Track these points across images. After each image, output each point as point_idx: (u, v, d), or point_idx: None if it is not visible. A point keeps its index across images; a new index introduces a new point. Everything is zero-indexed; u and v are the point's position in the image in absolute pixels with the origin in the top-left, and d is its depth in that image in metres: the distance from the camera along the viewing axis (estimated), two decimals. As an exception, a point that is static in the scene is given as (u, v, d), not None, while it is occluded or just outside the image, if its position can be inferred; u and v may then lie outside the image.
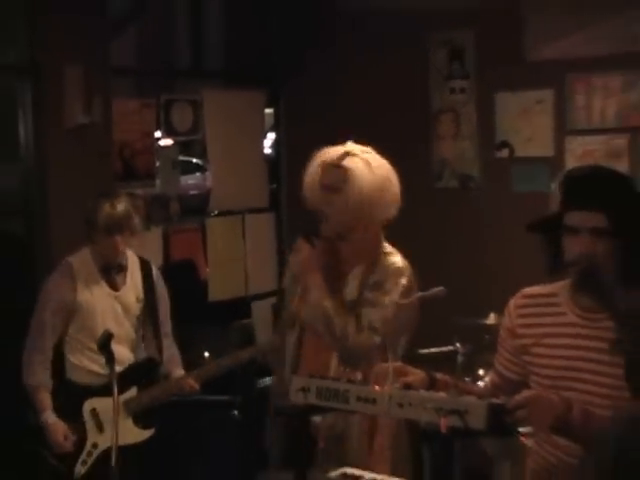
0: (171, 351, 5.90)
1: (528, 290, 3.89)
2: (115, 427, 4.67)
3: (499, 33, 7.77)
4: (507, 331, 3.90)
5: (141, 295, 5.73)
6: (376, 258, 4.62)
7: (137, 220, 5.68)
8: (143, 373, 5.69)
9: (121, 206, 5.55)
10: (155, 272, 5.91)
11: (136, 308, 5.71)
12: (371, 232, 4.66)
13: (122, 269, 5.71)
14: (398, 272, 4.56)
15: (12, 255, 7.22)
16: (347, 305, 4.53)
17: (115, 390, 4.57)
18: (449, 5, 7.74)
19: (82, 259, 5.64)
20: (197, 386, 5.73)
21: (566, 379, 3.60)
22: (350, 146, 4.70)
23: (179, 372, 5.86)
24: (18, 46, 7.00)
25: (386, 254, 4.65)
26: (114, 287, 5.68)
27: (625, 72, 7.39)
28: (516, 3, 7.63)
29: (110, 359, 4.68)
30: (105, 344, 4.76)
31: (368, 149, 4.71)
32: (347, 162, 4.58)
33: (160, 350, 5.78)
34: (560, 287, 3.76)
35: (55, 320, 5.57)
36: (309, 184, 4.66)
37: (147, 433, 5.68)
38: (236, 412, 6.38)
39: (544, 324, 3.75)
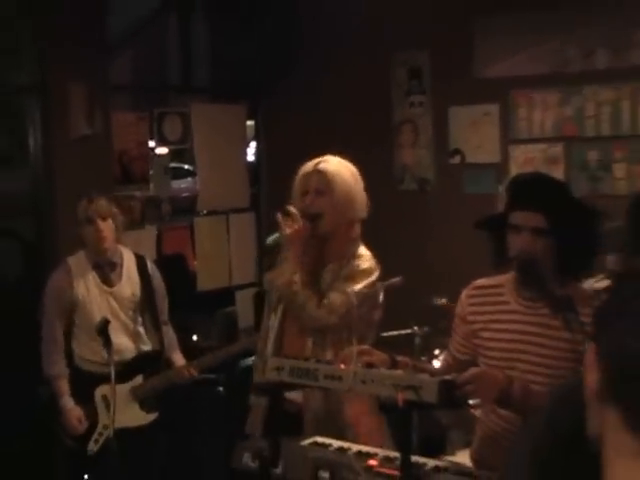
0: (169, 336, 5.89)
1: (477, 282, 3.94)
2: (113, 404, 4.76)
3: (451, 54, 7.78)
4: (459, 318, 3.95)
5: (138, 290, 5.69)
6: (351, 256, 4.58)
7: (117, 212, 5.69)
8: (148, 363, 5.69)
9: (99, 200, 5.57)
10: (150, 266, 5.87)
11: (132, 302, 5.67)
12: (352, 231, 4.64)
13: (114, 266, 5.67)
14: (368, 271, 4.53)
15: (22, 252, 7.23)
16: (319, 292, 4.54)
17: (112, 372, 4.64)
18: (408, 29, 7.76)
19: (78, 259, 5.63)
20: (196, 374, 5.73)
21: (509, 359, 3.65)
22: (323, 157, 4.70)
23: (178, 356, 5.86)
24: (28, 68, 6.98)
25: (359, 255, 4.60)
26: (108, 284, 5.64)
27: (561, 89, 7.41)
28: (466, 28, 7.64)
29: (107, 344, 4.72)
30: (103, 330, 4.77)
31: (335, 157, 4.70)
32: (325, 166, 4.60)
33: (161, 340, 5.76)
34: (505, 279, 3.81)
35: (61, 314, 5.57)
36: (296, 196, 4.65)
37: (152, 416, 5.68)
38: (221, 388, 6.40)
39: (491, 312, 3.79)
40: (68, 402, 5.52)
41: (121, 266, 5.72)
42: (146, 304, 5.74)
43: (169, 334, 5.92)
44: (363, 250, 4.65)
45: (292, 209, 4.51)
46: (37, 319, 5.72)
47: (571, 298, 3.44)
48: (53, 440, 5.78)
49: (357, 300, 4.43)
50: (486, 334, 3.78)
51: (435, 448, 5.45)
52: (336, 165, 4.63)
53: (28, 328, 5.97)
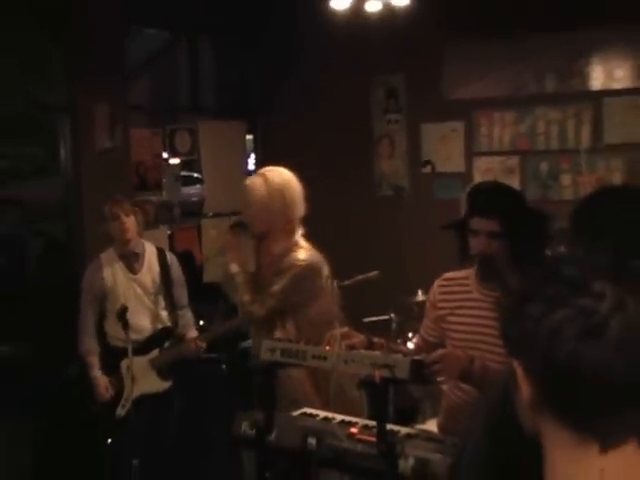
0: (187, 318, 5.92)
1: (447, 274, 3.94)
2: (130, 375, 4.84)
3: (423, 78, 7.82)
4: (430, 304, 3.96)
5: (157, 277, 5.73)
6: (284, 254, 4.59)
7: (138, 210, 5.77)
8: (162, 338, 5.73)
9: (122, 200, 5.67)
10: (169, 257, 5.90)
11: (153, 287, 5.71)
12: (281, 233, 4.62)
13: (137, 257, 5.71)
14: (295, 265, 4.54)
15: (54, 251, 7.23)
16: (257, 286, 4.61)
17: (130, 350, 4.73)
18: (386, 56, 7.77)
19: (107, 254, 5.69)
20: (204, 345, 5.77)
21: (472, 341, 3.65)
22: (264, 169, 4.77)
23: (193, 333, 5.91)
24: (60, 91, 6.97)
25: (292, 251, 4.60)
26: (133, 271, 5.68)
27: (516, 109, 7.47)
28: (436, 55, 7.67)
29: (125, 326, 4.86)
30: (122, 314, 4.93)
31: (274, 168, 4.74)
32: (248, 180, 4.68)
33: (175, 320, 5.78)
34: (469, 272, 3.81)
35: (92, 302, 5.65)
36: None
37: (167, 384, 5.72)
38: (223, 366, 6.40)
39: (457, 299, 3.80)
40: (97, 374, 5.59)
41: (143, 256, 5.75)
42: (164, 289, 5.76)
43: (187, 316, 5.95)
44: (298, 247, 4.64)
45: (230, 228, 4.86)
46: (68, 308, 5.77)
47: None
48: (80, 410, 5.81)
49: (283, 293, 4.49)
50: (452, 319, 3.79)
51: (408, 418, 5.46)
52: (253, 180, 4.67)
53: (60, 317, 6.01)
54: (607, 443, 1.37)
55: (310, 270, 4.57)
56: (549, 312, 1.37)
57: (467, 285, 3.80)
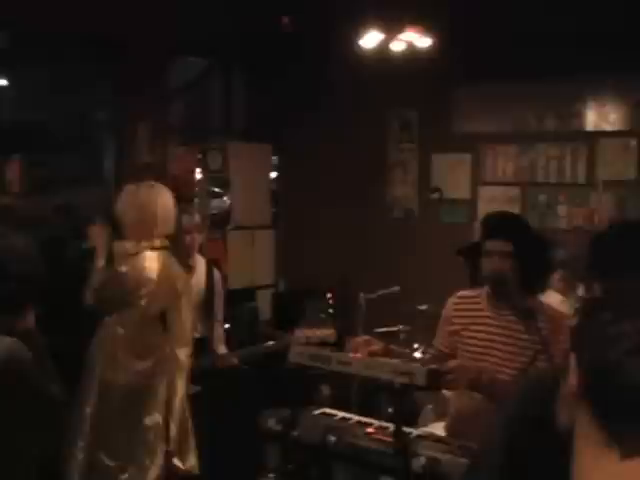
0: (219, 332, 5.85)
1: (461, 292, 3.97)
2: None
3: (435, 113, 7.84)
4: (445, 319, 3.98)
5: (202, 291, 5.65)
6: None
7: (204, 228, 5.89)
8: (196, 347, 5.70)
9: (196, 216, 5.75)
10: (216, 274, 5.85)
11: (196, 299, 5.58)
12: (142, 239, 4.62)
13: (190, 269, 5.59)
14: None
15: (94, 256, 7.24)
16: None
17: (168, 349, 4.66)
18: (401, 91, 7.80)
19: None
20: (236, 362, 5.75)
21: (482, 354, 3.69)
22: (145, 182, 4.81)
23: (222, 347, 5.83)
24: (107, 110, 7.04)
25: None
26: None
27: (519, 144, 7.49)
28: (447, 93, 7.70)
29: (165, 327, 4.76)
30: (162, 316, 4.84)
31: (152, 184, 4.78)
32: (126, 187, 4.77)
33: (211, 330, 5.73)
34: (481, 292, 3.85)
35: None
36: None
37: (196, 388, 5.67)
38: (246, 366, 6.40)
39: (469, 316, 3.83)
40: None
41: (194, 269, 5.66)
42: (205, 303, 5.69)
43: (219, 330, 5.88)
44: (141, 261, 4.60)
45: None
46: None
47: (532, 309, 3.49)
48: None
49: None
50: (465, 333, 3.82)
51: (408, 422, 5.46)
52: (129, 188, 4.74)
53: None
54: (627, 451, 1.38)
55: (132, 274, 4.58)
56: (616, 322, 1.42)
57: (478, 303, 3.84)
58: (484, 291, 3.82)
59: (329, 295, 7.90)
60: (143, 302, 4.54)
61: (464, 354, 3.79)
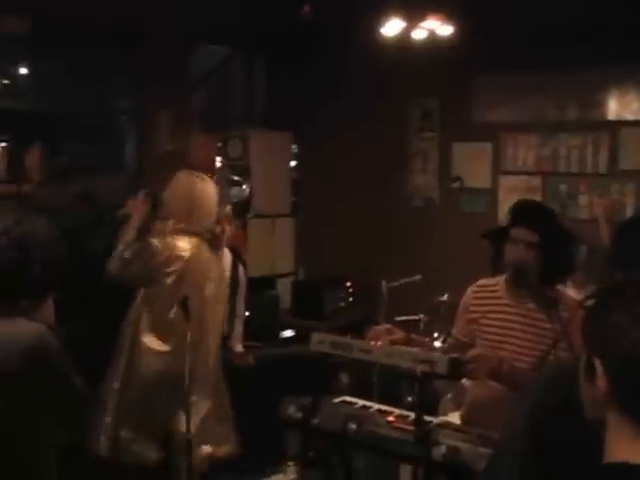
0: (238, 329, 5.89)
1: (480, 281, 3.97)
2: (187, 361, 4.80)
3: (456, 102, 7.81)
4: (464, 307, 3.98)
5: (228, 282, 5.63)
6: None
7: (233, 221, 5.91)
8: None
9: (227, 209, 5.75)
10: (240, 268, 5.90)
11: (225, 291, 5.65)
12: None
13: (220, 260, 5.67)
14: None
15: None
16: None
17: (189, 335, 4.62)
18: (423, 81, 7.79)
19: None
20: (251, 361, 5.79)
21: (500, 342, 3.70)
22: (197, 174, 4.99)
23: (239, 346, 5.87)
24: (129, 98, 7.08)
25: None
26: None
27: (540, 134, 7.45)
28: (468, 83, 7.67)
29: (186, 314, 4.75)
30: (184, 303, 4.81)
31: (204, 177, 4.97)
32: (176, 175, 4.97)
33: (232, 323, 5.79)
34: (499, 280, 3.85)
35: None
36: None
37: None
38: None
39: (488, 304, 3.83)
40: None
41: (221, 258, 5.65)
42: (230, 295, 5.68)
43: (239, 326, 5.92)
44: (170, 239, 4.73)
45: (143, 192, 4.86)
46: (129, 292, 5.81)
47: (554, 299, 3.49)
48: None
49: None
50: (484, 321, 3.82)
51: (429, 410, 5.47)
52: (181, 175, 4.95)
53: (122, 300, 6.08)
54: None
55: (162, 248, 4.69)
56: (635, 327, 1.42)
57: (497, 291, 3.84)
58: (503, 279, 3.82)
59: (349, 284, 7.91)
60: (169, 280, 4.60)
61: (482, 342, 3.79)
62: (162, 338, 4.65)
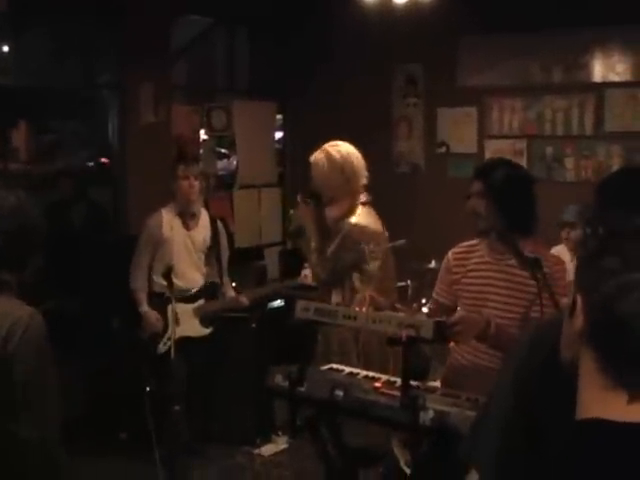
0: (226, 280, 5.96)
1: (462, 243, 3.93)
2: (172, 328, 4.83)
3: (440, 67, 7.78)
4: (445, 269, 3.93)
5: (208, 237, 5.78)
6: (342, 218, 4.57)
7: (204, 177, 5.98)
8: (209, 291, 5.79)
9: (194, 164, 5.77)
10: (220, 226, 5.96)
11: (203, 245, 5.76)
12: (347, 199, 4.59)
13: (194, 216, 5.74)
14: (344, 229, 4.56)
15: (103, 213, 7.27)
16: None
17: (173, 300, 4.71)
18: (407, 46, 7.73)
19: (168, 209, 5.70)
20: (247, 302, 5.82)
21: (481, 299, 3.66)
22: (327, 144, 4.71)
23: (231, 292, 5.96)
24: (110, 71, 7.03)
25: (350, 215, 4.58)
26: (188, 228, 5.71)
27: (525, 97, 7.45)
28: (452, 47, 7.64)
29: (170, 284, 4.84)
30: (167, 274, 4.90)
31: (337, 143, 4.70)
32: (312, 157, 4.65)
33: (221, 277, 5.86)
34: (481, 240, 3.81)
35: (147, 246, 5.66)
36: None
37: (207, 330, 5.75)
38: (253, 325, 6.40)
39: (469, 264, 3.79)
40: (146, 308, 5.66)
41: (198, 218, 5.80)
42: (213, 251, 5.82)
43: (226, 279, 5.99)
44: (354, 212, 4.60)
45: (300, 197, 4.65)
46: (113, 265, 5.93)
47: (539, 259, 3.44)
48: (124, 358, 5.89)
49: (333, 254, 4.49)
50: (465, 280, 3.78)
51: (420, 375, 5.44)
52: (316, 156, 4.65)
53: (106, 273, 6.08)
54: (636, 396, 1.38)
55: (357, 232, 4.48)
56: (624, 270, 1.38)
57: (478, 251, 3.80)
58: (483, 240, 3.79)
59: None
60: (378, 261, 4.31)
61: (464, 300, 3.75)
62: None
